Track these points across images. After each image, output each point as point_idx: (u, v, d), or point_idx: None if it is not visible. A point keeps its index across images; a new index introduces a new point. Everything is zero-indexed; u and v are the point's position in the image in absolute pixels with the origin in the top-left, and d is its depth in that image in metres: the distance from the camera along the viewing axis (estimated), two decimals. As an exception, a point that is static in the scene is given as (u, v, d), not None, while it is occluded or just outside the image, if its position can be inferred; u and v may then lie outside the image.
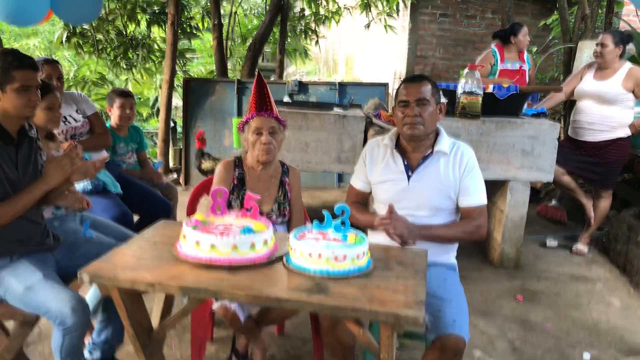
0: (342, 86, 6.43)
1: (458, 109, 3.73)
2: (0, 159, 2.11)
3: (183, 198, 3.66)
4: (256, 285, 1.69)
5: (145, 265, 1.81)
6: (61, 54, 9.52)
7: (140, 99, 10.44)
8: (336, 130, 3.92)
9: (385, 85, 6.58)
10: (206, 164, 6.06)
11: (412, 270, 1.86)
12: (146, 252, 1.93)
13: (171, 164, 6.52)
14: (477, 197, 2.34)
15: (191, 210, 2.90)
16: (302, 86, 6.35)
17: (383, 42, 9.23)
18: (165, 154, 6.48)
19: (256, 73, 2.52)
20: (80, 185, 3.11)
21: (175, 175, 6.36)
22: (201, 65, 10.76)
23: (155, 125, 8.74)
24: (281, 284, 1.72)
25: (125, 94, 3.76)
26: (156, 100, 10.12)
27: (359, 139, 3.94)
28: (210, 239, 1.79)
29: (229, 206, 2.42)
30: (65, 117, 3.29)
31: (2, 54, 2.16)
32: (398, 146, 2.40)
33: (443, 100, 2.43)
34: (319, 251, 1.75)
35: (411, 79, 2.37)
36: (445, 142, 2.35)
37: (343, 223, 1.89)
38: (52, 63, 3.45)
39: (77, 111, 3.42)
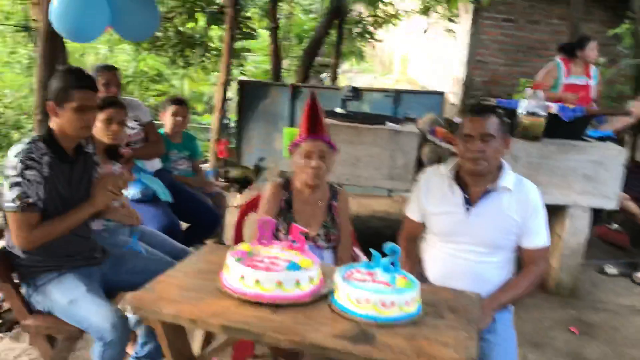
0: (398, 93, 6.30)
1: (518, 129, 3.57)
2: (55, 177, 2.13)
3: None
4: (299, 329, 1.63)
5: (188, 298, 1.77)
6: (121, 47, 9.76)
7: (195, 93, 10.59)
8: (389, 146, 3.83)
9: (442, 94, 6.42)
10: (234, 172, 6.09)
11: (464, 319, 1.76)
12: (190, 281, 1.90)
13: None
14: (542, 238, 2.24)
15: (239, 231, 2.87)
16: (356, 92, 6.24)
17: (441, 45, 9.02)
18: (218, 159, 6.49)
19: (310, 95, 2.46)
20: (129, 193, 3.14)
21: (227, 182, 6.35)
22: (255, 64, 10.81)
23: (208, 120, 8.85)
24: (325, 328, 1.65)
25: (178, 102, 3.79)
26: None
27: (413, 155, 3.83)
28: (255, 274, 1.75)
29: (276, 231, 2.38)
30: None
31: (64, 72, 2.19)
32: (457, 177, 2.30)
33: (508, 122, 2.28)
34: (367, 296, 1.68)
35: (477, 111, 2.25)
36: (509, 178, 2.23)
37: (392, 264, 1.82)
38: (111, 70, 3.50)
39: (133, 119, 3.44)
